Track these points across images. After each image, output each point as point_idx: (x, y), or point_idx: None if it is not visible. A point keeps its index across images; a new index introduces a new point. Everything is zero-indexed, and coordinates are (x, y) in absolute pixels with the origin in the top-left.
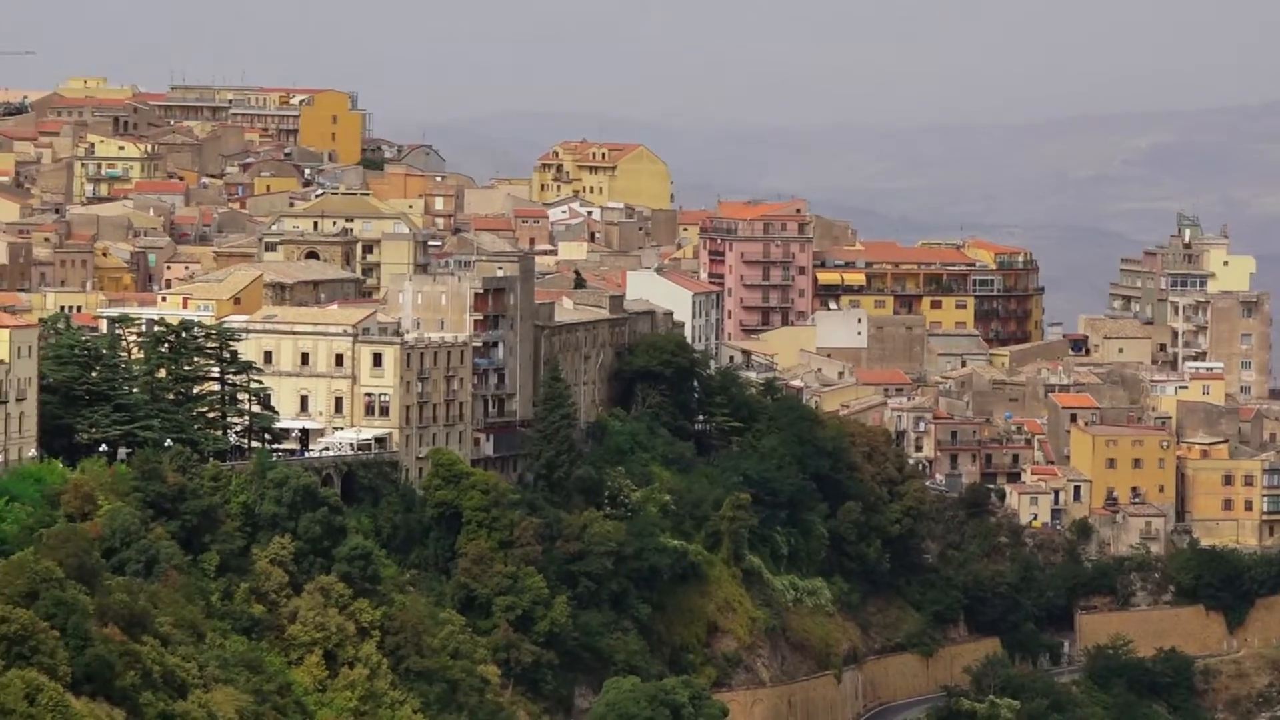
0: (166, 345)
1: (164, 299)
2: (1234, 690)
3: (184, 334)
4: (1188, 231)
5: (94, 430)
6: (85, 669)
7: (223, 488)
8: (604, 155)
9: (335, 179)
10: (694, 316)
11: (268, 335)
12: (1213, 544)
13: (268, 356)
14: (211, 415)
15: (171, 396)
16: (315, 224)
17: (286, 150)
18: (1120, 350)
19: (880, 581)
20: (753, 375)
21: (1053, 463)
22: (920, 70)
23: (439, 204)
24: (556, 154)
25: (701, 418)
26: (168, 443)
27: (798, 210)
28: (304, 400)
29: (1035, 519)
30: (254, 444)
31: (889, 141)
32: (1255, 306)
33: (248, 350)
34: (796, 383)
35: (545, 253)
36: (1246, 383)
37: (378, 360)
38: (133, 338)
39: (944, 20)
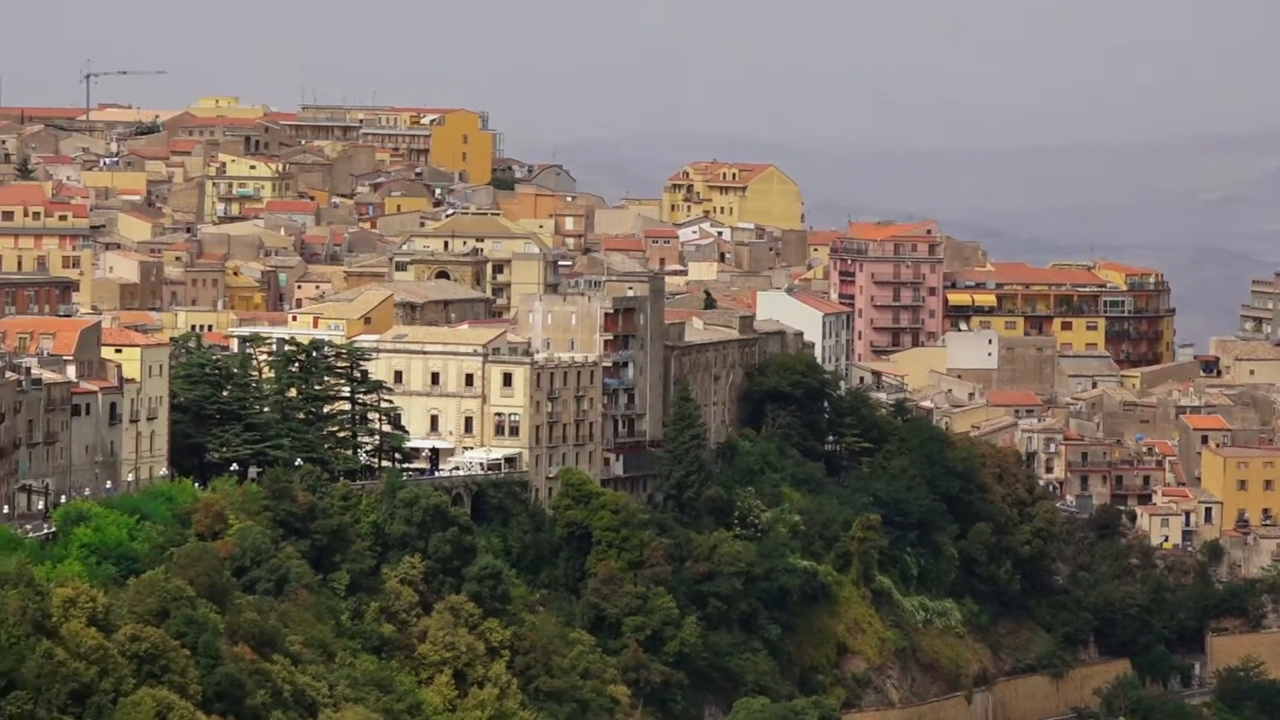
0: (297, 364)
1: (295, 318)
2: None
3: (315, 353)
4: None
5: (225, 449)
6: (216, 688)
7: (353, 507)
8: (734, 175)
9: (466, 199)
10: (824, 337)
11: (398, 355)
12: None
13: (398, 376)
14: (342, 435)
15: (302, 416)
16: (446, 244)
17: (417, 170)
18: (1251, 372)
19: (1010, 603)
20: (883, 396)
21: (1184, 484)
22: (1051, 89)
23: (569, 224)
24: (687, 174)
25: (831, 438)
26: (298, 462)
27: (928, 231)
28: (434, 420)
29: (1166, 540)
30: (384, 463)
31: (1019, 161)
32: None
33: (378, 370)
34: (926, 404)
35: (675, 273)
36: None
37: (508, 380)
38: (263, 357)
39: (1073, 40)
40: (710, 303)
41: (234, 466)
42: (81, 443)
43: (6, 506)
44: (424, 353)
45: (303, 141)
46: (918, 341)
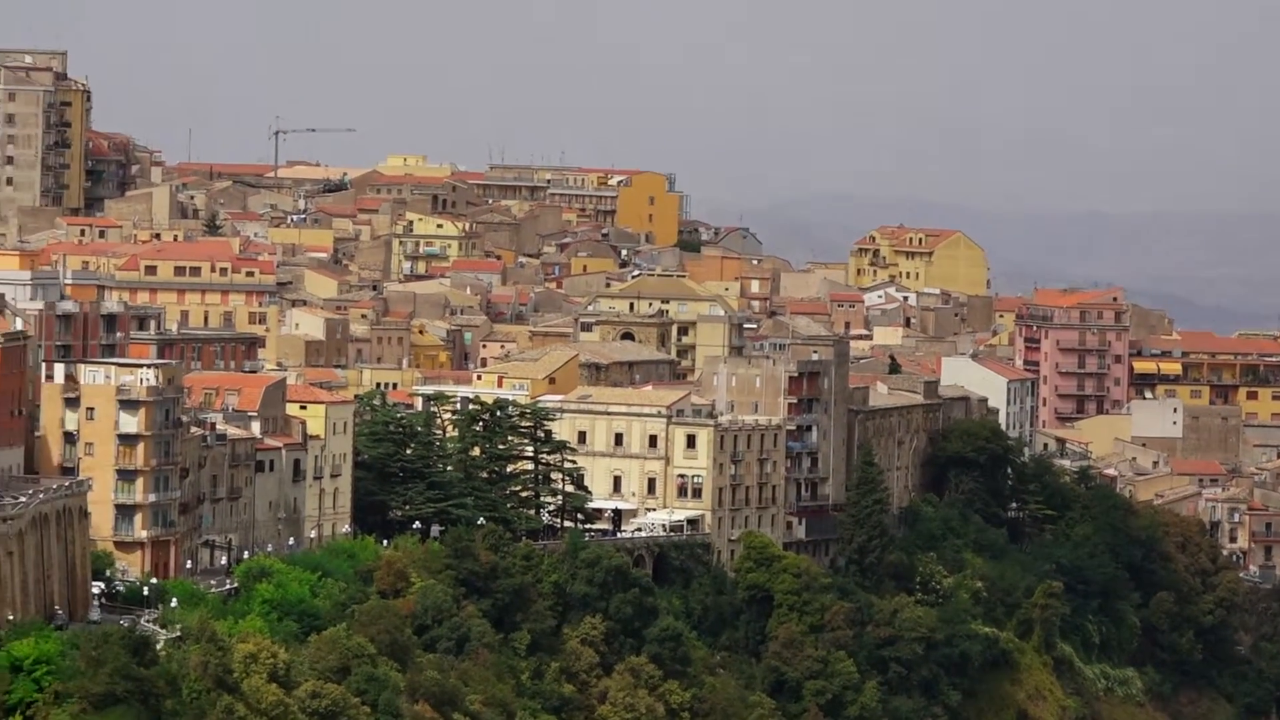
0: (481, 423)
1: (479, 377)
2: None
3: (499, 413)
4: None
5: (408, 507)
6: None
7: (535, 567)
8: (921, 240)
9: (652, 260)
10: (1008, 403)
11: (582, 415)
12: None
13: (581, 436)
14: (525, 494)
15: (485, 475)
16: (631, 305)
17: (604, 231)
18: None
19: (1192, 672)
20: (1066, 463)
21: None
22: (1237, 155)
23: (755, 287)
24: (873, 238)
25: (1014, 505)
26: (481, 521)
27: (1114, 298)
28: (617, 481)
29: None
30: (566, 524)
31: (1205, 228)
32: None
33: (562, 430)
34: (1110, 471)
35: (860, 337)
36: None
37: (691, 442)
38: (447, 415)
39: (1265, 104)
40: (895, 367)
41: (416, 524)
42: (265, 498)
43: (190, 562)
44: (608, 414)
45: (490, 201)
46: (1102, 409)
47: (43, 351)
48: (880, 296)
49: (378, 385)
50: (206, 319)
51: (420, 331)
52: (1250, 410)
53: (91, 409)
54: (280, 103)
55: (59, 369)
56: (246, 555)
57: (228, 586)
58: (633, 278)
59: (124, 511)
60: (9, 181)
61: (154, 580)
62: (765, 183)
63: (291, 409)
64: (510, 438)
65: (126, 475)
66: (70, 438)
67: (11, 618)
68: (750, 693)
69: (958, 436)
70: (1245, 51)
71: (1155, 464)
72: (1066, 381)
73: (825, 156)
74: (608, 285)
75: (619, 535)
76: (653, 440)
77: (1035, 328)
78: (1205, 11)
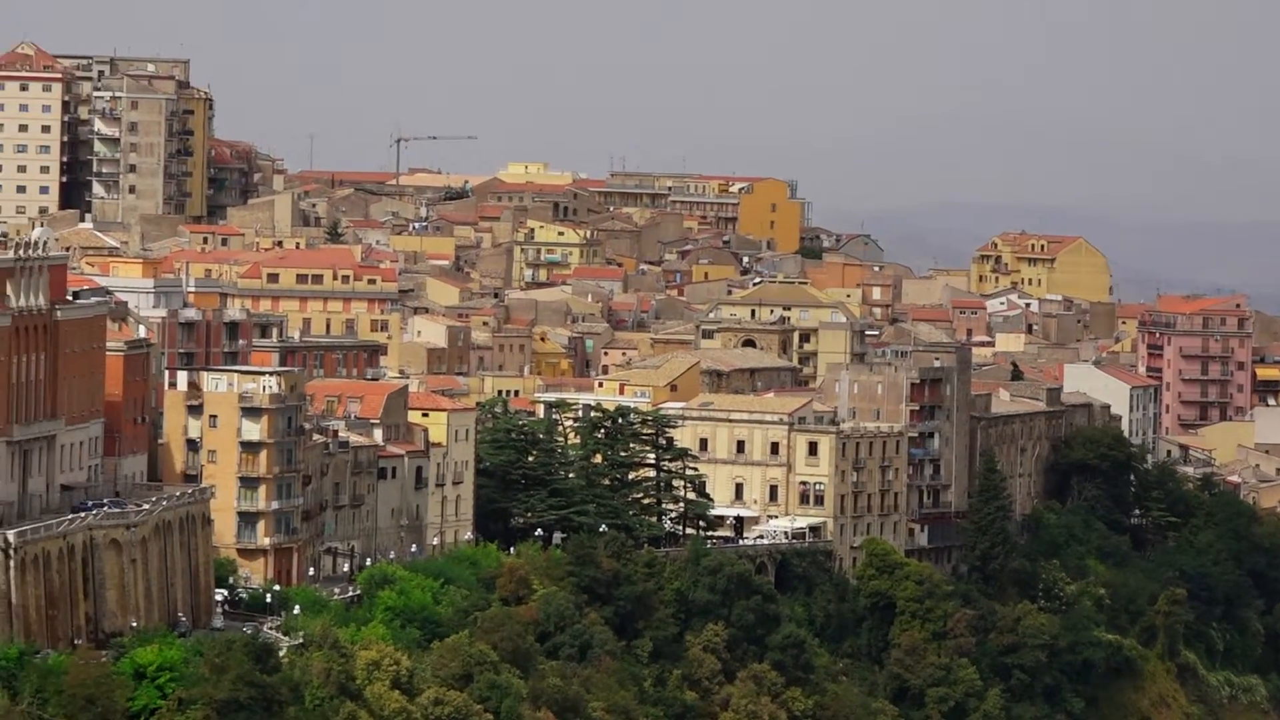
0: (603, 431)
1: (601, 384)
2: None
3: (620, 420)
4: None
5: (530, 514)
6: None
7: (657, 574)
8: (1043, 247)
9: (773, 267)
10: (1131, 410)
11: (704, 422)
12: None
13: (703, 443)
14: (646, 501)
15: (607, 482)
16: (753, 312)
17: (725, 238)
18: None
19: None
20: (1190, 470)
21: None
22: None
23: (877, 293)
24: (995, 245)
25: (1138, 512)
26: (603, 528)
27: (1238, 305)
28: (739, 488)
29: None
30: (688, 531)
31: None
32: None
33: (683, 437)
34: (1234, 478)
35: (982, 344)
36: None
37: (813, 449)
38: (569, 422)
39: None
40: (1017, 374)
41: (539, 531)
42: (387, 506)
43: (312, 569)
44: (729, 420)
45: (611, 208)
46: (1226, 416)
47: (166, 359)
48: (1002, 303)
49: (499, 392)
50: (328, 326)
51: (542, 339)
52: None
53: (214, 416)
54: (402, 111)
55: (182, 376)
56: (369, 562)
57: (350, 593)
58: (754, 285)
59: (247, 519)
60: (132, 190)
61: (277, 587)
62: (887, 189)
63: (414, 416)
64: (632, 445)
65: (249, 482)
66: (193, 445)
67: (135, 625)
68: (873, 700)
69: (1080, 443)
70: None
71: (1279, 470)
72: (1189, 388)
73: (947, 163)
74: (729, 292)
75: (741, 542)
76: (775, 447)
77: (1158, 334)
78: None
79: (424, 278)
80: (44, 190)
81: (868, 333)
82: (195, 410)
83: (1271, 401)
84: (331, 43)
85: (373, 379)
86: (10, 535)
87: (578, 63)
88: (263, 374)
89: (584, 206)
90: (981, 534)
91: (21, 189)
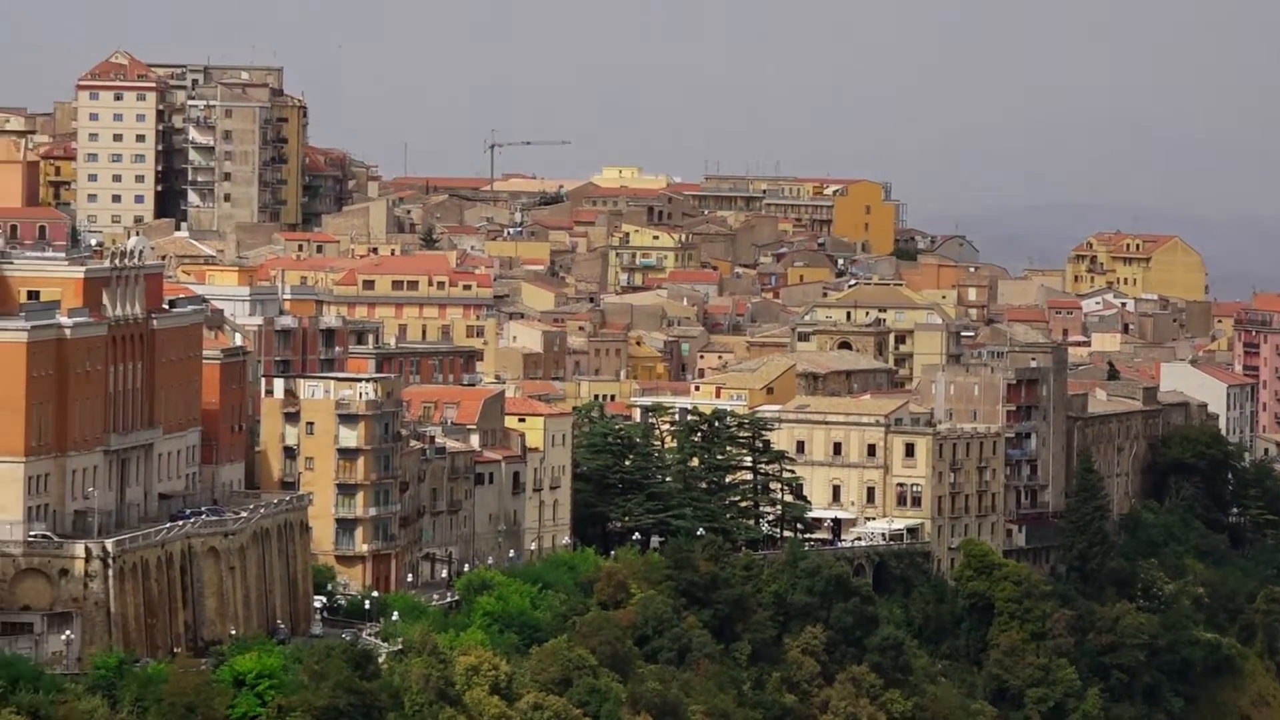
0: (700, 434)
1: (697, 388)
2: None
3: (717, 423)
4: None
5: (627, 518)
6: None
7: (755, 577)
8: (1138, 246)
9: (868, 269)
10: (1228, 409)
11: (800, 425)
12: None
13: (800, 446)
14: (744, 504)
15: (704, 485)
16: (848, 314)
17: (820, 240)
18: None
19: None
20: None
21: None
22: None
23: (972, 294)
24: (1090, 245)
25: (1235, 510)
26: (700, 531)
27: None
28: (836, 490)
29: None
30: (786, 533)
31: None
32: None
33: (780, 440)
34: None
35: (1078, 344)
36: None
37: (910, 450)
38: (666, 426)
39: None
40: (1114, 374)
41: (636, 535)
42: (485, 511)
43: (410, 575)
44: (826, 423)
45: (706, 212)
46: None
47: (262, 367)
48: (1098, 303)
49: (596, 397)
50: (424, 333)
51: (638, 343)
52: None
53: (311, 423)
54: (496, 116)
55: (278, 384)
56: (467, 568)
57: (448, 599)
58: (849, 287)
59: (345, 525)
60: (227, 198)
61: (375, 594)
62: (982, 190)
63: (510, 421)
64: (729, 448)
65: (347, 489)
66: (290, 452)
67: (234, 632)
68: (972, 701)
69: (1178, 442)
70: None
71: None
72: None
73: (1040, 163)
74: (824, 295)
75: (839, 544)
76: (871, 449)
77: (1254, 332)
78: None
79: (519, 283)
80: (139, 199)
81: (963, 334)
82: (292, 418)
83: None
84: (425, 49)
85: (469, 384)
86: (109, 544)
87: (671, 67)
88: (359, 380)
89: (679, 210)
90: (1079, 534)
91: (117, 198)
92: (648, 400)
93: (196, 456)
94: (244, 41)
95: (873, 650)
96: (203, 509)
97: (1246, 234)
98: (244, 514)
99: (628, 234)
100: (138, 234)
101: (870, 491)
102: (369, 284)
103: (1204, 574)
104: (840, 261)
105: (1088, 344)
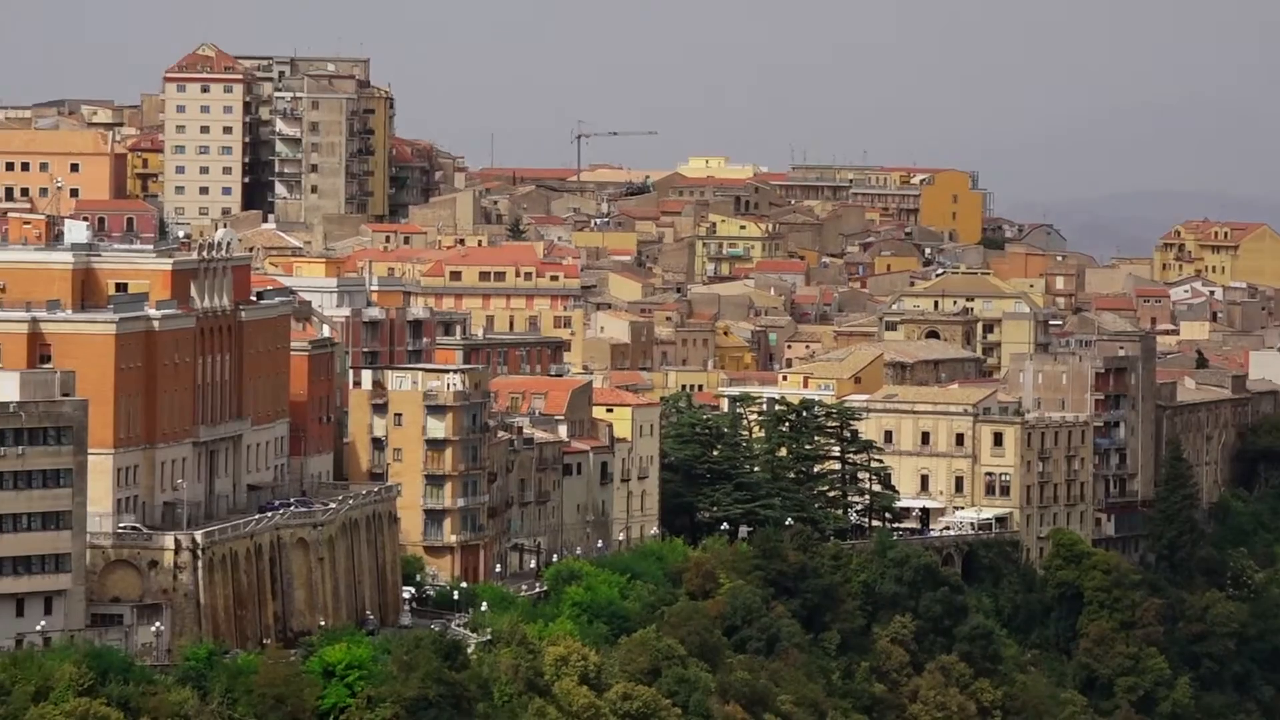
0: (787, 424)
1: (785, 378)
2: None
3: (805, 413)
4: None
5: (715, 508)
6: None
7: (843, 566)
8: (1226, 234)
9: (956, 258)
10: None
11: (888, 414)
12: None
13: (888, 436)
14: (832, 494)
15: (792, 475)
16: (936, 303)
17: (907, 229)
18: None
19: None
20: None
21: None
22: None
23: (1060, 283)
24: (1178, 233)
25: None
26: (788, 521)
27: None
28: (924, 479)
29: None
30: (874, 523)
31: None
32: None
33: (868, 429)
34: None
35: (1167, 332)
36: None
37: (998, 440)
38: (754, 416)
39: None
40: (1202, 362)
41: (724, 525)
42: (573, 501)
43: (499, 565)
44: (914, 412)
45: (792, 201)
46: None
47: (350, 358)
48: (1186, 291)
49: (683, 387)
50: (511, 323)
51: (725, 333)
52: None
53: (399, 415)
54: (582, 107)
55: (366, 375)
56: (555, 558)
57: (537, 590)
58: (937, 276)
59: (433, 516)
60: (314, 189)
61: (464, 584)
62: (1069, 179)
63: (598, 412)
64: (817, 438)
65: (435, 480)
66: (378, 443)
67: (323, 623)
68: (1061, 690)
69: (1268, 430)
70: None
71: None
72: None
73: (1129, 152)
74: (912, 284)
75: (927, 534)
76: (959, 438)
77: None
78: None
79: (606, 273)
80: (226, 191)
81: (1051, 322)
82: (380, 409)
83: None
84: (511, 40)
85: (556, 375)
86: (198, 536)
87: (757, 56)
88: (447, 372)
89: (765, 200)
90: (1168, 523)
91: (204, 190)
92: (735, 390)
93: (285, 448)
94: (330, 33)
95: (962, 640)
96: (291, 500)
97: None
98: (332, 505)
99: (715, 224)
100: (225, 226)
101: (958, 481)
102: (456, 275)
103: None
104: (927, 250)
105: (1176, 332)
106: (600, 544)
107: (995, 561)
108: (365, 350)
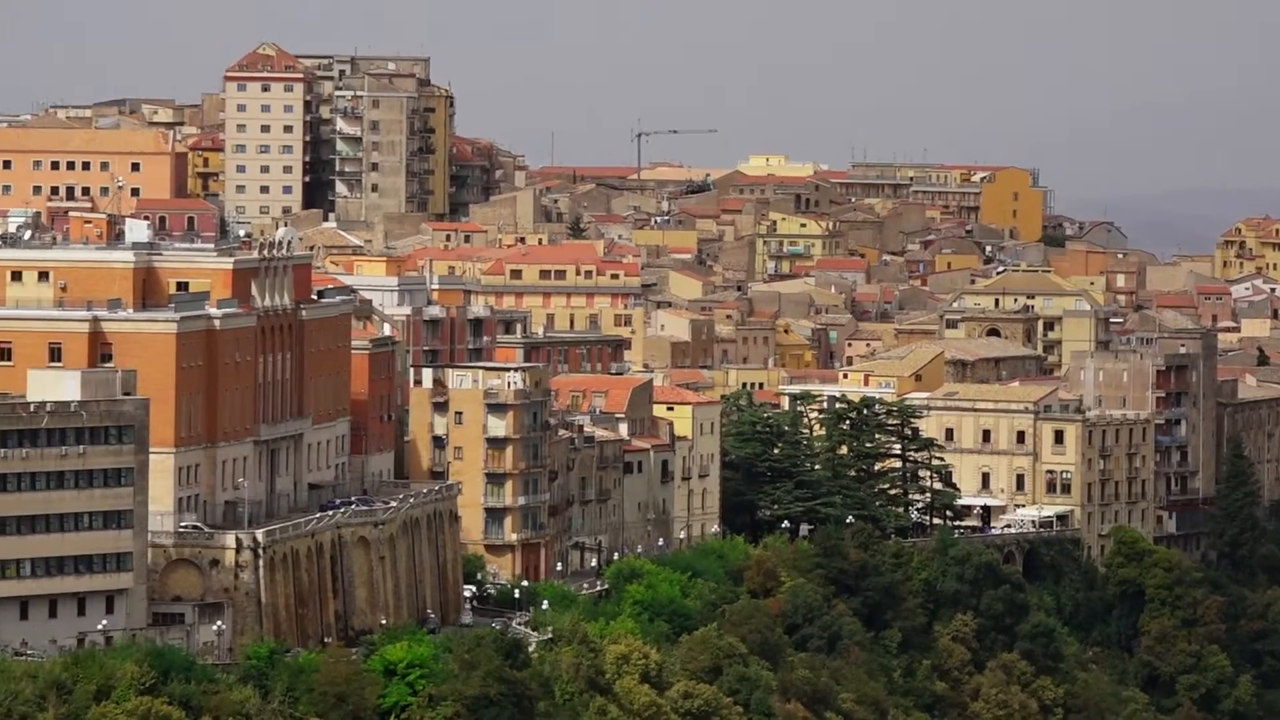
0: (848, 422)
1: (845, 376)
2: None
3: (866, 411)
4: None
5: (776, 506)
6: None
7: (904, 564)
8: None
9: (1016, 256)
10: None
11: (948, 412)
12: None
13: (949, 433)
14: (893, 492)
15: (853, 473)
16: (996, 301)
17: (968, 227)
18: None
19: None
20: None
21: None
22: None
23: (1120, 281)
24: (1239, 231)
25: None
26: (849, 519)
27: None
28: (985, 477)
29: None
30: (935, 521)
31: None
32: None
33: (929, 427)
34: None
35: (1227, 330)
36: None
37: (1059, 437)
38: (814, 414)
39: None
40: (1263, 359)
41: (785, 523)
42: (634, 500)
43: (560, 564)
44: (975, 410)
45: (853, 199)
46: None
47: (410, 357)
48: (1247, 288)
49: (744, 385)
50: (572, 322)
51: (785, 331)
52: None
53: (460, 413)
54: (642, 106)
55: (427, 374)
56: (616, 557)
57: (598, 588)
58: (997, 274)
59: (494, 515)
60: (374, 188)
61: (525, 583)
62: (1129, 176)
63: (658, 410)
64: (878, 435)
65: (495, 479)
66: (439, 442)
67: (384, 622)
68: (1123, 688)
69: None
70: None
71: None
72: None
73: (1190, 149)
74: (972, 282)
75: (988, 531)
76: (1020, 436)
77: None
78: None
79: (666, 271)
80: (287, 190)
81: (1112, 320)
82: (441, 407)
83: None
84: (571, 39)
85: (617, 373)
86: (259, 535)
87: (817, 54)
88: (507, 370)
89: (826, 198)
90: (1230, 520)
91: (265, 189)
92: (796, 388)
93: (346, 446)
94: (390, 32)
95: (1023, 637)
96: (352, 499)
97: None
98: (393, 504)
99: (775, 222)
100: (286, 225)
101: (1019, 478)
102: (516, 273)
103: None
104: (988, 248)
105: (1237, 330)
106: (661, 542)
107: (1056, 559)
108: (426, 349)
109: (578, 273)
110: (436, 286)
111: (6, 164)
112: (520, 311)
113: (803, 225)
